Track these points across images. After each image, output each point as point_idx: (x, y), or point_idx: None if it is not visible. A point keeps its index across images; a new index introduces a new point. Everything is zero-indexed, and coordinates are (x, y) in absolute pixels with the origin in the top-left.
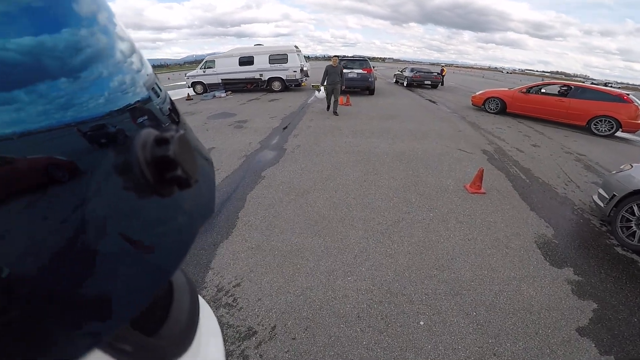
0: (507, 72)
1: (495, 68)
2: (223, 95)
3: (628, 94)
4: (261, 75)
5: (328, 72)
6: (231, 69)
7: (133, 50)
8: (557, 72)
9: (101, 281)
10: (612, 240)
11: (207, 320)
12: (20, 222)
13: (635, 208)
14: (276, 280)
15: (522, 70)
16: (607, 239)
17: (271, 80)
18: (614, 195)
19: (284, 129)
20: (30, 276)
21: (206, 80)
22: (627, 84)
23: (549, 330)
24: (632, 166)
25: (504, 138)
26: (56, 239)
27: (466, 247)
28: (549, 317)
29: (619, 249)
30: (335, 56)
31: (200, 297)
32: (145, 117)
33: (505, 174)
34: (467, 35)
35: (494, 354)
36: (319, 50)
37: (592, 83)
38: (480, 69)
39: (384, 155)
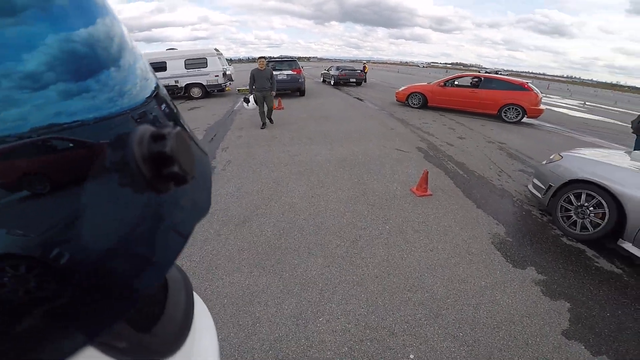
0: (423, 66)
1: (407, 63)
2: None
3: (528, 83)
4: (177, 82)
5: (255, 78)
6: None
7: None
8: (456, 63)
9: (96, 277)
10: (556, 230)
11: (202, 317)
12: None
13: (572, 197)
14: (234, 336)
15: (428, 64)
16: (552, 229)
17: (189, 86)
18: (550, 185)
19: (210, 141)
20: (28, 272)
21: None
22: (512, 71)
23: (538, 339)
24: (562, 156)
25: (433, 133)
26: (56, 234)
27: (431, 260)
28: (531, 324)
29: (565, 239)
30: (261, 58)
31: (194, 294)
32: (165, 106)
33: (443, 171)
34: (381, 32)
35: None
36: (242, 53)
37: (486, 72)
38: (393, 63)
39: (326, 163)
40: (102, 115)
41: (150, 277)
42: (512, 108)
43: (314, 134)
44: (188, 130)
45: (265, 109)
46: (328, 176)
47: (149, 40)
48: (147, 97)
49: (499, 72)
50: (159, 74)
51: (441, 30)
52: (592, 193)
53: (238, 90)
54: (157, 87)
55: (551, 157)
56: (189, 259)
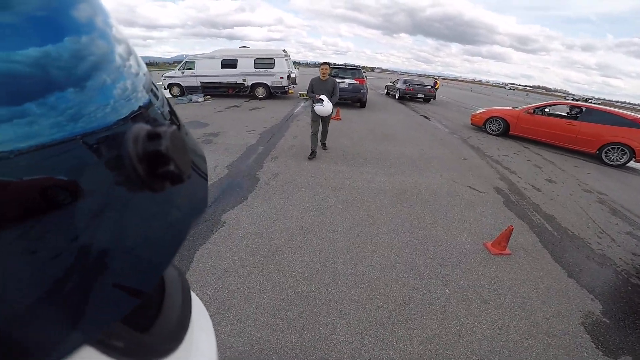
0: (511, 89)
1: (481, 81)
2: (200, 99)
3: None
4: (244, 80)
5: (314, 89)
6: (212, 71)
7: (130, 52)
8: (538, 87)
9: (93, 277)
10: None
11: (199, 317)
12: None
13: None
14: None
15: (505, 84)
16: None
17: (255, 86)
18: None
19: (262, 147)
20: (23, 274)
21: (184, 82)
22: (604, 99)
23: None
24: None
25: (515, 170)
26: (49, 235)
27: (497, 341)
28: None
29: None
30: (325, 64)
31: (192, 293)
32: (159, 112)
33: (527, 224)
34: (454, 47)
35: None
36: (310, 57)
37: (573, 99)
38: (466, 81)
39: (381, 194)
40: (41, 142)
41: (146, 277)
42: (618, 148)
43: (371, 155)
44: (184, 128)
45: (320, 129)
46: (381, 211)
47: (232, 38)
48: (119, 120)
49: (589, 100)
50: (230, 71)
51: (524, 50)
52: None
53: (300, 94)
54: (143, 106)
55: None
56: (202, 290)
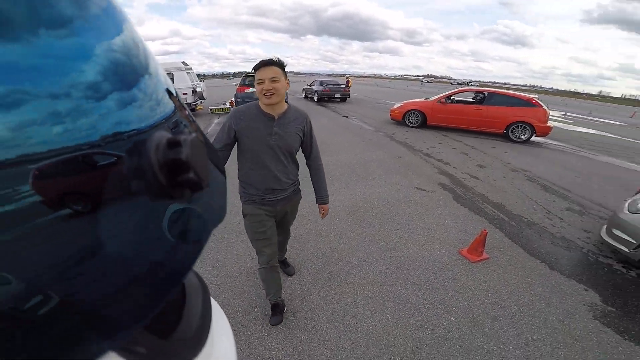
0: (428, 82)
1: (381, 76)
2: None
3: (535, 97)
4: None
5: (241, 135)
6: None
7: (153, 57)
8: (428, 75)
9: (117, 283)
10: None
11: (219, 321)
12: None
13: None
14: None
15: (401, 76)
16: None
17: None
18: None
19: None
20: (52, 281)
21: None
22: (480, 81)
23: None
24: None
25: (447, 161)
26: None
27: (532, 359)
28: None
29: None
30: (267, 65)
31: (212, 300)
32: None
33: (485, 218)
34: (355, 45)
35: None
36: (217, 68)
37: (458, 84)
38: (369, 77)
39: (335, 216)
40: (150, 124)
41: (168, 283)
42: (521, 126)
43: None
44: (203, 136)
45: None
46: (342, 240)
47: None
48: (174, 106)
49: (469, 84)
50: None
51: (412, 42)
52: None
53: (211, 110)
54: (170, 112)
55: (631, 207)
56: None
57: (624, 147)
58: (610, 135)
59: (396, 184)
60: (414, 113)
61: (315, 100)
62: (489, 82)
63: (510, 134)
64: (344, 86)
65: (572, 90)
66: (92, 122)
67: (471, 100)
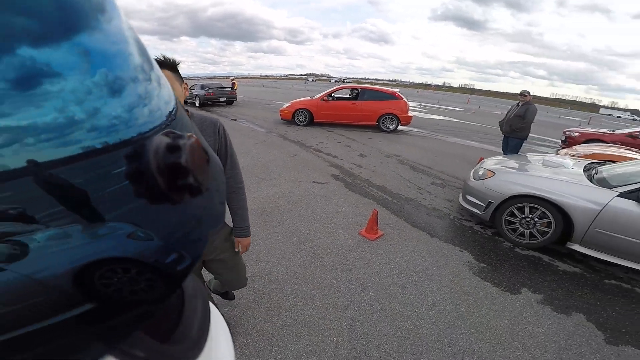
0: (312, 80)
1: (267, 76)
2: None
3: (397, 91)
4: None
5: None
6: None
7: (150, 58)
8: (310, 74)
9: (117, 288)
10: (505, 242)
11: (218, 325)
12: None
13: (515, 211)
14: None
15: (286, 76)
16: (501, 242)
17: None
18: (490, 202)
19: None
20: (55, 283)
21: None
22: (353, 78)
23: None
24: (493, 172)
25: (335, 154)
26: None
27: (444, 318)
28: (582, 340)
29: (518, 250)
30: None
31: (210, 304)
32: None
33: (373, 199)
34: (238, 45)
35: None
36: None
37: (336, 81)
38: (254, 77)
39: None
40: (161, 122)
41: (166, 287)
42: (389, 117)
43: None
44: (202, 140)
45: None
46: (257, 242)
47: None
48: (154, 128)
49: (345, 81)
50: None
51: (295, 41)
52: (536, 205)
53: None
54: (169, 116)
55: (481, 173)
56: None
57: (464, 129)
58: (454, 120)
59: (295, 180)
60: (302, 112)
61: (197, 105)
62: (361, 78)
63: (381, 125)
64: (230, 89)
65: (424, 82)
66: (155, 105)
67: (348, 96)
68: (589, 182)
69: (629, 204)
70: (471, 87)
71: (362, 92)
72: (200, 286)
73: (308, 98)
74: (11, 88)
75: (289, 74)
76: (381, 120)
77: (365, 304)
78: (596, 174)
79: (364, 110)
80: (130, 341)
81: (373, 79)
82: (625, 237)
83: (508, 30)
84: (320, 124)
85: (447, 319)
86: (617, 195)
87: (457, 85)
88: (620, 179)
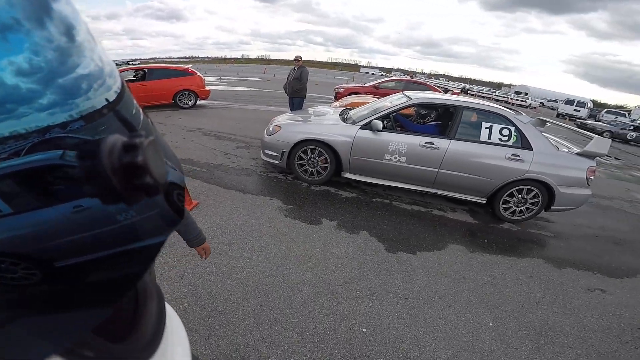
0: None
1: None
2: None
3: (190, 67)
4: None
5: None
6: None
7: (93, 43)
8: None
9: (62, 287)
10: (302, 183)
11: (174, 329)
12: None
13: (302, 154)
14: None
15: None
16: (300, 184)
17: None
18: (283, 151)
19: None
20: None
21: None
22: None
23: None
24: (280, 127)
25: None
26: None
27: (273, 264)
28: (373, 252)
29: (313, 187)
30: None
31: (168, 306)
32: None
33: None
34: None
35: None
36: None
37: (117, 64)
38: None
39: None
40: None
41: (120, 288)
42: (186, 94)
43: None
44: (160, 138)
45: None
46: None
47: None
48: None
49: (129, 63)
50: None
51: None
52: (314, 147)
53: None
54: (109, 102)
55: (271, 130)
56: None
57: (262, 96)
58: (253, 89)
59: None
60: None
61: None
62: (151, 58)
63: (178, 102)
64: None
65: (223, 56)
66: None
67: (133, 78)
68: (344, 122)
69: (366, 133)
70: (267, 57)
71: (149, 72)
72: (157, 288)
73: None
74: None
75: None
76: (177, 97)
77: (200, 268)
78: (347, 116)
79: (155, 90)
80: (79, 341)
81: (167, 58)
82: (369, 159)
83: (293, 1)
84: None
85: (274, 260)
86: (360, 128)
87: (255, 57)
88: (359, 117)
